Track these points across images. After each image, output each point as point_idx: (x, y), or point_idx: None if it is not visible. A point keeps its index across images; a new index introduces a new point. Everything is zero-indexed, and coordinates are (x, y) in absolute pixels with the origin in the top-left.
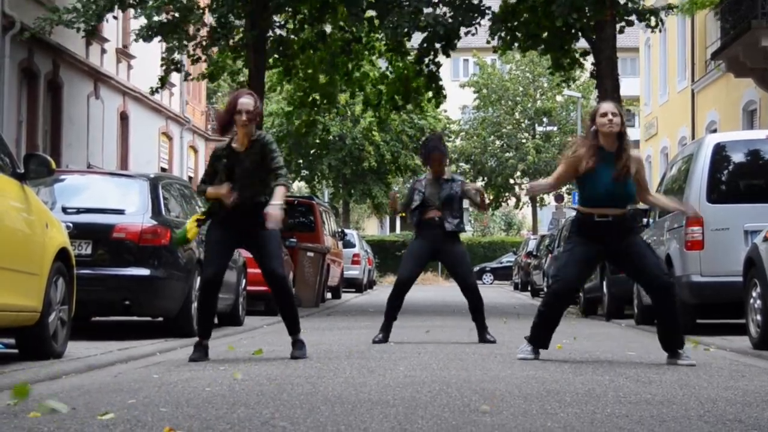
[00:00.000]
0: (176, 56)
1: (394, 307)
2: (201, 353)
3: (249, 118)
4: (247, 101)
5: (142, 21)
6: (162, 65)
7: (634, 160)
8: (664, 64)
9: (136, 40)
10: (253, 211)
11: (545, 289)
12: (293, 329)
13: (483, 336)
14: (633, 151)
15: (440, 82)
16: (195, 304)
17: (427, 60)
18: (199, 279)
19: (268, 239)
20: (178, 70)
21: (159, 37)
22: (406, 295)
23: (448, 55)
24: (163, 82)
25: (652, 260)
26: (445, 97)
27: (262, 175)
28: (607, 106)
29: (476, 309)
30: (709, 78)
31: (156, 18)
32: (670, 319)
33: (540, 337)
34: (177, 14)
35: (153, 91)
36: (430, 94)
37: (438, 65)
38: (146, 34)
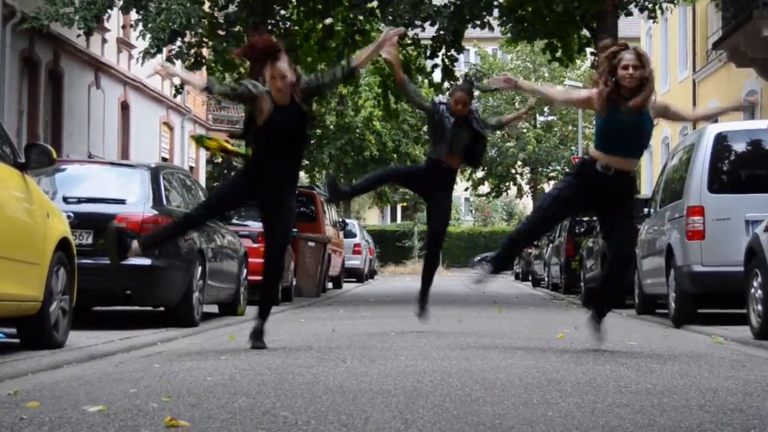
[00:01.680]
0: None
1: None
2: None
3: (281, 88)
4: (284, 66)
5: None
6: (175, 59)
7: (657, 105)
8: (665, 54)
9: (141, 63)
10: (280, 180)
11: (551, 276)
12: (263, 313)
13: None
14: (658, 99)
15: (454, 73)
16: (196, 294)
17: (441, 54)
18: (207, 267)
19: (287, 214)
20: (200, 63)
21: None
22: (410, 278)
23: (460, 52)
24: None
25: (626, 228)
26: (455, 80)
27: (299, 141)
28: (629, 58)
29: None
30: (710, 68)
31: (161, 36)
32: (614, 286)
33: (501, 262)
34: (177, 26)
35: (178, 90)
36: (441, 81)
37: (453, 60)
38: (151, 53)
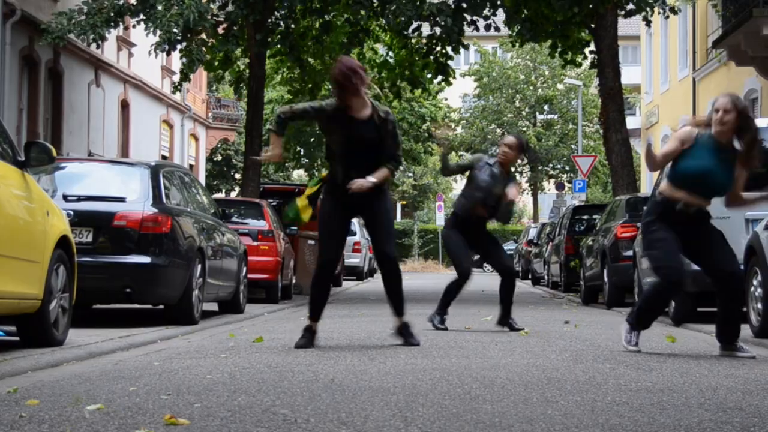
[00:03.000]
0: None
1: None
2: (308, 339)
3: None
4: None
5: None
6: (181, 57)
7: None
8: (666, 53)
9: (156, 55)
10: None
11: (551, 274)
12: (399, 311)
13: (505, 321)
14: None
15: (449, 70)
16: (196, 292)
17: (437, 50)
18: (207, 265)
19: (383, 217)
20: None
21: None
22: (410, 276)
23: (457, 52)
24: (188, 73)
25: (723, 248)
26: (453, 76)
27: (377, 152)
28: (721, 102)
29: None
30: (710, 66)
31: (174, 29)
32: (732, 309)
33: (644, 321)
34: (191, 22)
35: (177, 88)
36: (439, 78)
37: (449, 57)
38: (165, 48)
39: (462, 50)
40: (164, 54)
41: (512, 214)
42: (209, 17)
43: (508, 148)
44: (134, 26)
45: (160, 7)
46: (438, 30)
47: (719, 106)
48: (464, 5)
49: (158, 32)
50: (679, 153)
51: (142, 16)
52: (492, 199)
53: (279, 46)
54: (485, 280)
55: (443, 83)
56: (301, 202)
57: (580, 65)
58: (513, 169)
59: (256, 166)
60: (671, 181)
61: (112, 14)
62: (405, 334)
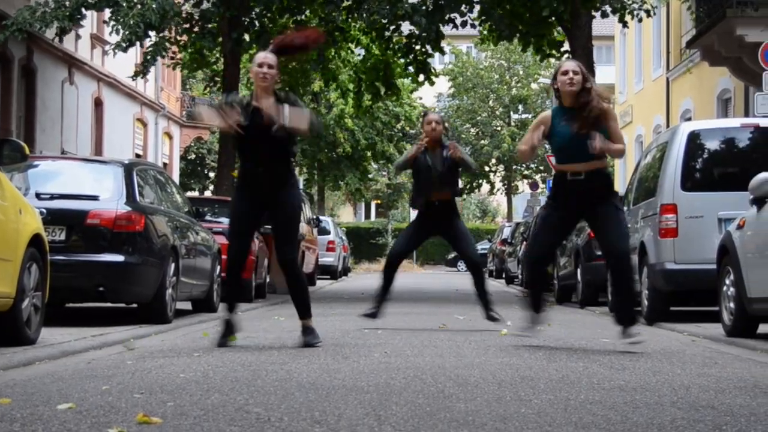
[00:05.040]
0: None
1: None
2: (226, 330)
3: (267, 74)
4: (266, 56)
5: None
6: (144, 52)
7: (603, 112)
8: (640, 53)
9: (114, 53)
10: (278, 182)
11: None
12: (304, 313)
13: (488, 314)
14: (603, 103)
15: (430, 68)
16: (169, 291)
17: (417, 49)
18: (181, 264)
19: (289, 220)
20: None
21: (138, 43)
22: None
23: (437, 50)
24: (144, 69)
25: (615, 227)
26: (436, 75)
27: (289, 143)
28: (569, 65)
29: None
30: (684, 66)
31: (136, 28)
32: (622, 290)
33: (535, 307)
34: (153, 21)
35: (133, 77)
36: (421, 78)
37: (428, 56)
38: (123, 47)
39: (441, 51)
40: (137, 52)
41: (470, 163)
42: (173, 16)
43: (435, 125)
44: (105, 22)
45: (124, 4)
46: (417, 30)
47: (568, 68)
48: (441, 2)
49: (121, 32)
50: (545, 135)
51: (107, 12)
52: (443, 178)
53: (254, 45)
54: (460, 279)
55: (426, 82)
56: None
57: (559, 58)
58: (487, 168)
59: (231, 164)
60: (557, 162)
61: (75, 6)
62: (306, 334)
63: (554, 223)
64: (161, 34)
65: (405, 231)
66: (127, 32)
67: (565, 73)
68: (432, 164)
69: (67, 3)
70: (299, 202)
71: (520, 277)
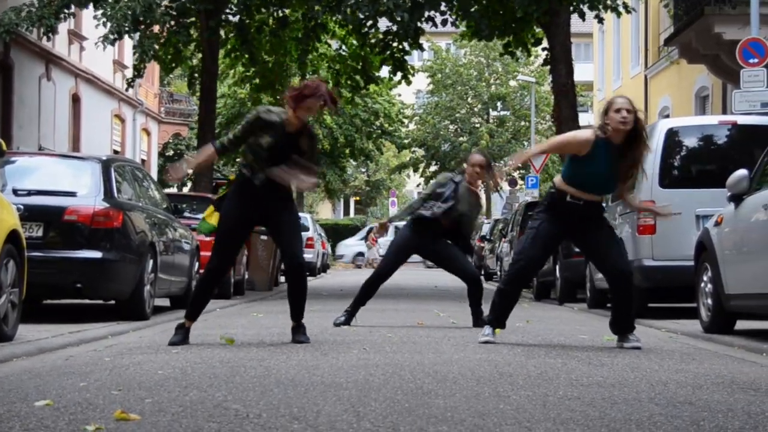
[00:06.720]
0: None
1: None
2: (182, 336)
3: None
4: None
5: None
6: (134, 53)
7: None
8: (618, 50)
9: (104, 47)
10: (278, 193)
11: (504, 270)
12: (299, 316)
13: (477, 323)
14: (647, 144)
15: (407, 65)
16: (147, 287)
17: (394, 45)
18: (159, 260)
19: (291, 222)
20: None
21: (126, 35)
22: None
23: (415, 47)
24: (140, 73)
25: (616, 248)
26: (413, 74)
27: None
28: (622, 102)
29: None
30: (662, 64)
31: (123, 21)
32: (625, 305)
33: (500, 317)
34: (138, 12)
35: (130, 84)
36: (399, 76)
37: (405, 52)
38: (111, 39)
39: (420, 48)
40: (116, 48)
41: (471, 229)
42: (157, 10)
43: (479, 168)
44: (94, 16)
45: None
46: (395, 26)
47: (621, 106)
48: (421, 0)
49: (108, 25)
50: (576, 156)
51: (92, 7)
52: (455, 214)
53: (232, 37)
54: (439, 276)
55: (403, 81)
56: (208, 213)
57: (537, 55)
58: (465, 165)
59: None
60: (566, 179)
61: (61, 5)
62: (299, 332)
63: (545, 240)
64: (148, 30)
65: (395, 247)
66: (114, 25)
67: (618, 111)
68: (466, 210)
69: (54, 1)
70: (297, 209)
71: (498, 274)
